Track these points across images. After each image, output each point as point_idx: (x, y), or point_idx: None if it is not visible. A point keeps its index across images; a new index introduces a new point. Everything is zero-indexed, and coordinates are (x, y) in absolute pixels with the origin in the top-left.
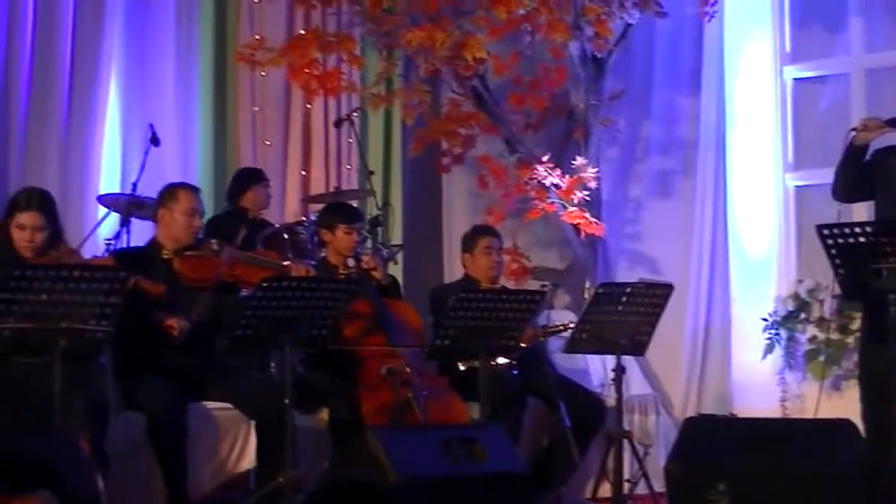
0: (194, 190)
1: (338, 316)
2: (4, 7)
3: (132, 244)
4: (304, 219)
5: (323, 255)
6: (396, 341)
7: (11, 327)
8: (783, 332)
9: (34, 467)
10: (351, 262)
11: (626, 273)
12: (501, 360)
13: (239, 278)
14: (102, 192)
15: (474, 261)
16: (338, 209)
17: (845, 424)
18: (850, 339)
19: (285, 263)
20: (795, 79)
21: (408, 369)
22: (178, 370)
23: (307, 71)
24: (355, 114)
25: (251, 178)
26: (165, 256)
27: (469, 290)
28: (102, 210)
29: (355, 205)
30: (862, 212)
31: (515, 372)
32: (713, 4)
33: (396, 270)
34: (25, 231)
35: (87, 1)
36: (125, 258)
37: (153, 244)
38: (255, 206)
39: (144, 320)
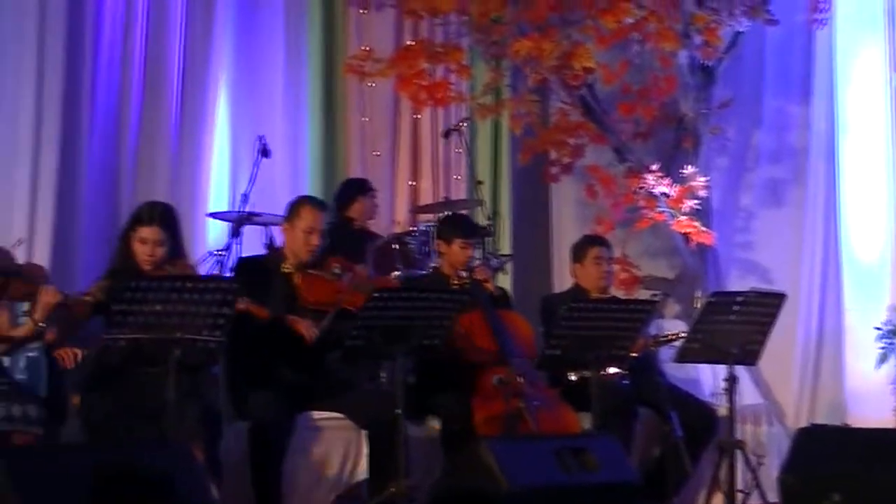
0: (319, 207)
1: (449, 326)
2: (118, 23)
3: (242, 255)
4: (413, 229)
5: (436, 265)
6: (509, 351)
7: (127, 337)
8: None
9: (149, 479)
10: (464, 273)
11: (736, 282)
12: (612, 370)
13: (357, 307)
14: (212, 203)
15: (584, 270)
16: (457, 223)
17: None
18: None
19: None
20: None
21: (520, 379)
22: (289, 382)
23: (416, 82)
24: (464, 124)
25: (358, 188)
26: (286, 270)
27: (579, 299)
28: (212, 223)
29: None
30: None
31: (626, 382)
32: (824, 11)
33: (505, 280)
34: (147, 245)
35: (196, 15)
36: (247, 266)
37: (277, 254)
38: (362, 216)
39: (251, 339)
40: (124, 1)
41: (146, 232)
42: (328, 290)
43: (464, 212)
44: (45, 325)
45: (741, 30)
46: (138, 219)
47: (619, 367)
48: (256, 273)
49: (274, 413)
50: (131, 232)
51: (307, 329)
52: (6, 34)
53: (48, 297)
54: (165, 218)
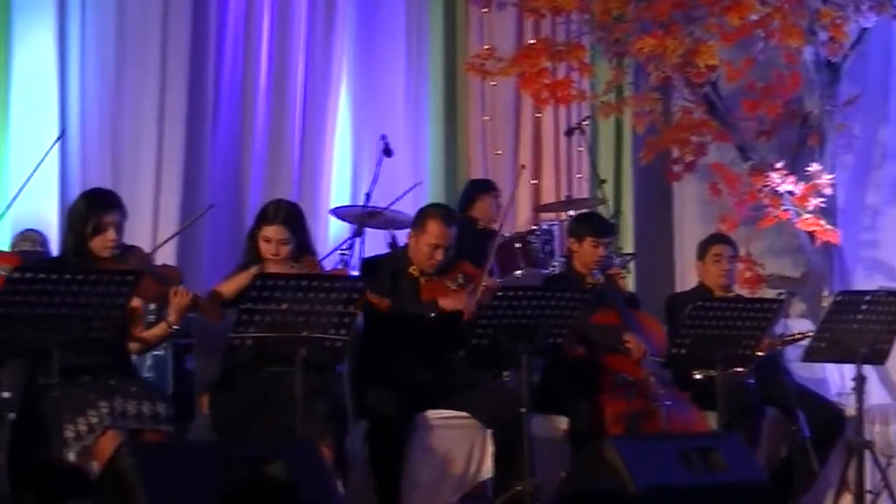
0: (447, 223)
1: (573, 324)
2: (241, 24)
3: (365, 254)
4: (535, 228)
5: (568, 261)
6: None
7: (254, 336)
8: None
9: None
10: (597, 272)
11: (863, 281)
12: (738, 369)
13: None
14: (335, 201)
15: (705, 268)
16: (590, 221)
17: None
18: None
19: None
20: None
21: (651, 378)
22: (412, 380)
23: (538, 80)
24: (586, 122)
25: (481, 188)
26: (412, 273)
27: (704, 298)
28: (335, 221)
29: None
30: None
31: (752, 381)
32: None
33: (628, 279)
34: (271, 244)
35: (319, 14)
36: (373, 266)
37: (403, 255)
38: (485, 216)
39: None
40: (247, 1)
41: (270, 231)
42: (451, 297)
43: (586, 210)
44: (179, 327)
45: (867, 25)
46: (263, 217)
47: (744, 367)
48: (383, 273)
49: (392, 411)
50: (257, 230)
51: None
52: (131, 40)
53: (180, 298)
54: (290, 216)
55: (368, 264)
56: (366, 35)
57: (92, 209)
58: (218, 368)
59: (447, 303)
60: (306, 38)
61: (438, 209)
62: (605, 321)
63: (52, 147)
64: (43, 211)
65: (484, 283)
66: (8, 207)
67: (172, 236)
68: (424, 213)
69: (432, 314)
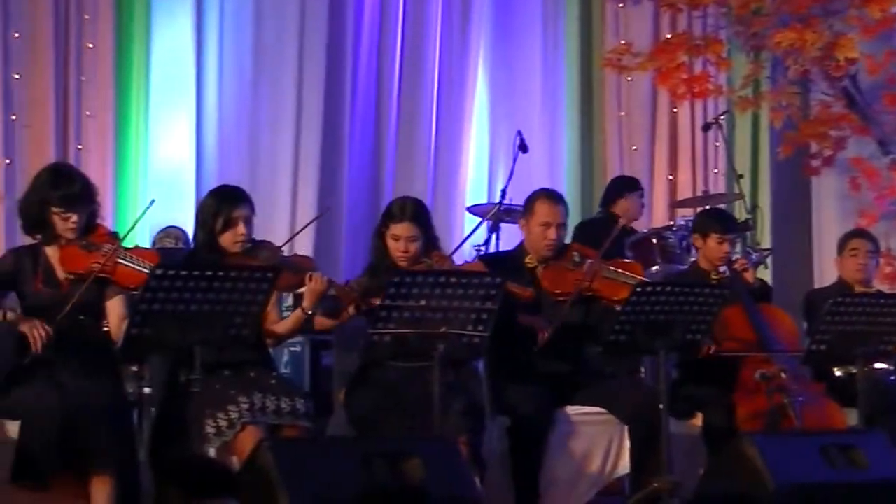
0: (554, 200)
1: (711, 321)
2: (376, 21)
3: (500, 250)
4: (671, 223)
5: (694, 259)
6: (770, 345)
7: (392, 333)
8: None
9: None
10: (723, 268)
11: None
12: (879, 366)
13: (598, 293)
14: (470, 198)
15: (842, 263)
16: (714, 217)
17: None
18: None
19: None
20: None
21: (783, 374)
22: (549, 375)
23: (675, 75)
24: (722, 117)
25: (625, 186)
26: (529, 264)
27: (844, 294)
28: (470, 217)
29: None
30: None
31: (894, 378)
32: None
33: (765, 275)
34: (400, 241)
35: (453, 11)
36: (492, 263)
37: (520, 250)
38: (627, 214)
39: (511, 323)
40: (381, 0)
41: (399, 228)
42: (567, 278)
43: (722, 206)
44: (312, 312)
45: None
46: (390, 215)
47: (886, 363)
48: (501, 270)
49: (533, 408)
50: (384, 229)
51: (539, 326)
52: (268, 38)
53: (316, 284)
54: (417, 213)
55: (485, 262)
56: (501, 31)
57: (221, 205)
58: (356, 364)
59: (524, 319)
60: (441, 34)
61: (544, 190)
62: (732, 317)
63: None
64: (181, 208)
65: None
66: (149, 205)
67: (294, 235)
68: (532, 197)
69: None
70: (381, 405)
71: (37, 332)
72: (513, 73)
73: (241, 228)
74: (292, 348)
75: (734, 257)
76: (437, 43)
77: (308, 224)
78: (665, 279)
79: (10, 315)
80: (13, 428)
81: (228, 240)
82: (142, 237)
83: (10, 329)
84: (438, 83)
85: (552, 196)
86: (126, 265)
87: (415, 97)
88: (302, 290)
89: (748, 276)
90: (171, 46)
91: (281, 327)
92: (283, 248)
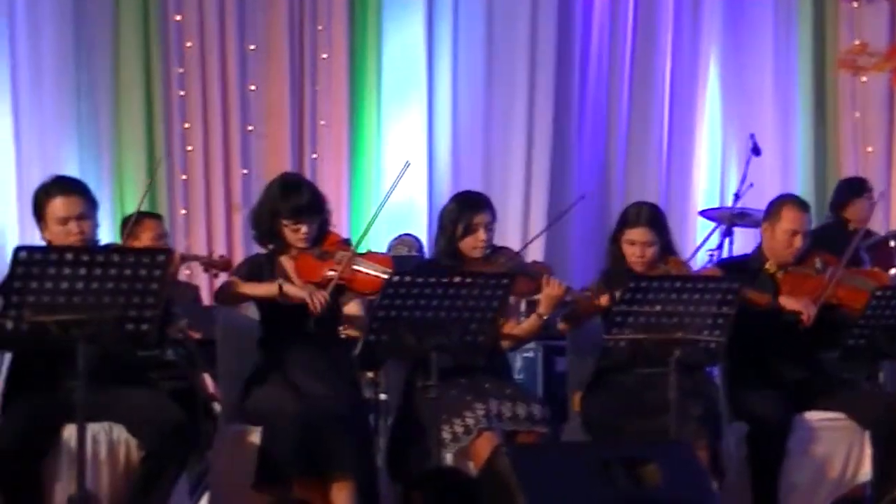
0: (802, 208)
1: None
2: (606, 23)
3: (734, 254)
4: None
5: None
6: None
7: (628, 338)
8: None
9: None
10: None
11: None
12: None
13: (841, 301)
14: (702, 202)
15: None
16: None
17: None
18: None
19: None
20: None
21: None
22: (787, 381)
23: None
24: None
25: (853, 189)
26: (769, 270)
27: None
28: (702, 221)
29: None
30: None
31: None
32: None
33: None
34: (636, 246)
35: (684, 13)
36: (729, 268)
37: (758, 255)
38: (857, 217)
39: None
40: (611, 1)
41: (635, 234)
42: (810, 285)
43: None
44: (548, 318)
45: None
46: (625, 221)
47: None
48: (740, 274)
49: (772, 413)
50: (619, 234)
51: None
52: (499, 42)
53: (552, 289)
54: (653, 218)
55: (722, 268)
56: (733, 33)
57: (463, 210)
58: (591, 370)
59: (788, 303)
60: (672, 37)
61: (791, 196)
62: None
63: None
64: (414, 215)
65: None
66: (380, 207)
67: (541, 233)
68: (778, 202)
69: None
70: (618, 411)
71: (316, 298)
72: (745, 75)
73: (482, 234)
74: (526, 354)
75: None
76: (669, 45)
77: (560, 216)
78: None
79: (285, 287)
80: (255, 433)
81: (469, 245)
82: (376, 244)
83: (282, 301)
84: (670, 86)
85: (800, 203)
86: (363, 272)
87: (646, 100)
88: (536, 296)
89: None
90: (402, 54)
91: (518, 330)
92: (521, 254)
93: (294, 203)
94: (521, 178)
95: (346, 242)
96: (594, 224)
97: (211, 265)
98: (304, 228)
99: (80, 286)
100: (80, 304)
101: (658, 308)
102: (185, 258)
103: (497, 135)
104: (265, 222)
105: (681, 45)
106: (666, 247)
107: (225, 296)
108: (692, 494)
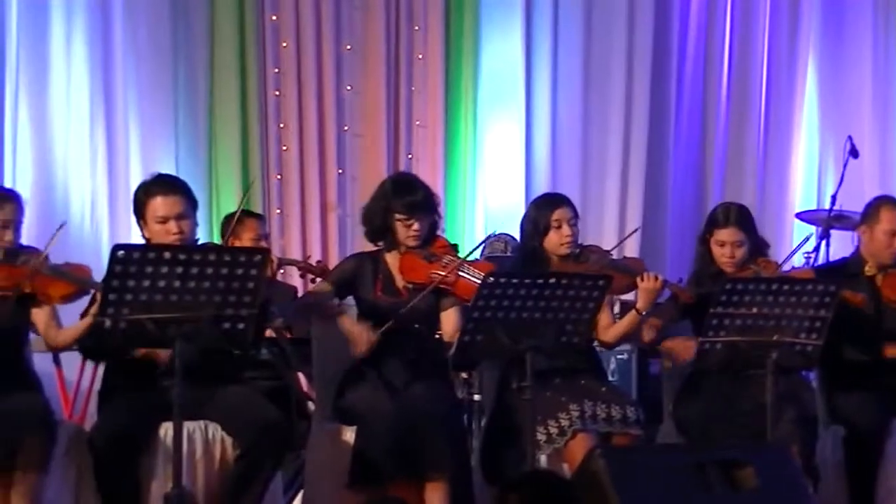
0: None
1: None
2: (703, 25)
3: (831, 257)
4: None
5: None
6: None
7: (723, 340)
8: None
9: None
10: None
11: None
12: None
13: None
14: (799, 204)
15: None
16: None
17: None
18: None
19: None
20: None
21: None
22: (884, 384)
23: None
24: None
25: None
26: (868, 273)
27: None
28: (799, 224)
29: None
30: None
31: None
32: None
33: None
34: (725, 247)
35: (781, 14)
36: (826, 271)
37: (856, 258)
38: None
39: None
40: (707, 3)
41: (723, 234)
42: None
43: None
44: (646, 313)
45: None
46: (714, 222)
47: None
48: (836, 278)
49: (869, 417)
50: (708, 235)
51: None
52: (597, 45)
53: (649, 283)
54: (741, 218)
55: (819, 271)
56: (831, 34)
57: (540, 209)
58: (685, 372)
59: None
60: (769, 38)
61: (889, 197)
62: None
63: None
64: (511, 216)
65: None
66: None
67: (630, 234)
68: (875, 204)
69: None
70: (713, 414)
71: (361, 342)
72: (842, 77)
73: (566, 230)
74: (619, 356)
75: None
76: (765, 47)
77: (624, 239)
78: None
79: (341, 318)
80: (349, 433)
81: (554, 242)
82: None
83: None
84: (766, 88)
85: None
86: (467, 278)
87: (742, 103)
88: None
89: None
90: (499, 57)
91: (618, 329)
92: (612, 252)
93: (408, 199)
94: (617, 184)
95: (453, 248)
96: (688, 224)
97: (308, 270)
98: (416, 225)
99: (177, 285)
100: (176, 303)
101: (755, 310)
102: (283, 262)
103: (595, 139)
104: (378, 218)
105: (778, 48)
106: (756, 247)
107: (300, 307)
108: (789, 499)
